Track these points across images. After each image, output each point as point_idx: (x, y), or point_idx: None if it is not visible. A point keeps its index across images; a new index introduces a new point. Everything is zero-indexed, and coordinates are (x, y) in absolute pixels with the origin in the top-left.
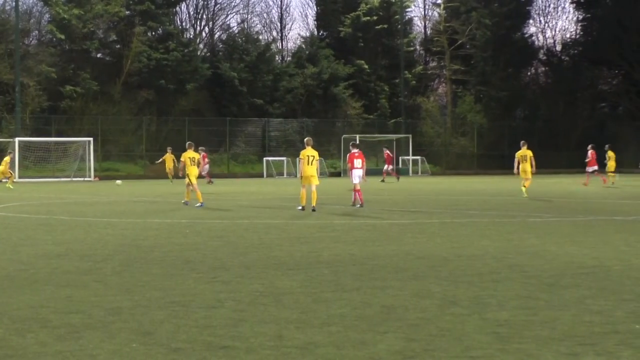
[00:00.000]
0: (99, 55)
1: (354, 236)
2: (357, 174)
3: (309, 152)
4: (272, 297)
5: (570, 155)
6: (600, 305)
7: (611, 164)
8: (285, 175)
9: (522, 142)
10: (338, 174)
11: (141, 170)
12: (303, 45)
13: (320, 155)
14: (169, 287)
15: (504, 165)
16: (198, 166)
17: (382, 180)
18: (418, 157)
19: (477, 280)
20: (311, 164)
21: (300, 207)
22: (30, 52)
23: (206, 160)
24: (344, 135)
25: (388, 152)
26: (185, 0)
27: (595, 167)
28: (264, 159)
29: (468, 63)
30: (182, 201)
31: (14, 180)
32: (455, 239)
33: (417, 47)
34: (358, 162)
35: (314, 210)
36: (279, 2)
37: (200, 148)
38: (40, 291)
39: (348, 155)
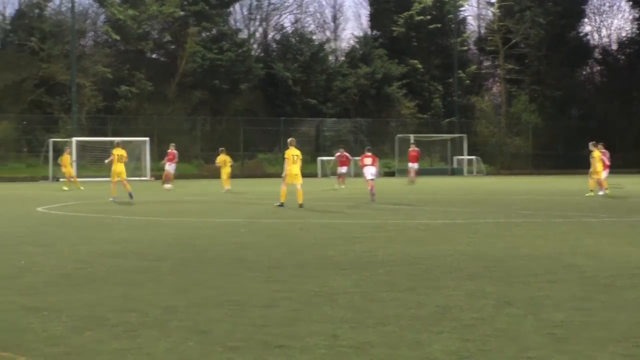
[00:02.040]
0: (153, 55)
1: (408, 236)
2: (370, 171)
3: (293, 152)
4: (327, 296)
5: (626, 155)
6: None
7: None
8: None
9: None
10: (392, 174)
11: (196, 170)
12: (356, 45)
13: (374, 155)
14: (225, 286)
15: (559, 164)
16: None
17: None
18: (473, 157)
19: (533, 281)
20: (295, 163)
21: (279, 204)
22: (86, 53)
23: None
24: (398, 135)
25: (345, 154)
26: (239, 0)
27: None
28: (318, 158)
29: (522, 62)
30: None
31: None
32: (510, 239)
33: (471, 46)
34: (368, 160)
35: (301, 206)
36: (333, 2)
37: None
38: (98, 290)
39: (361, 156)
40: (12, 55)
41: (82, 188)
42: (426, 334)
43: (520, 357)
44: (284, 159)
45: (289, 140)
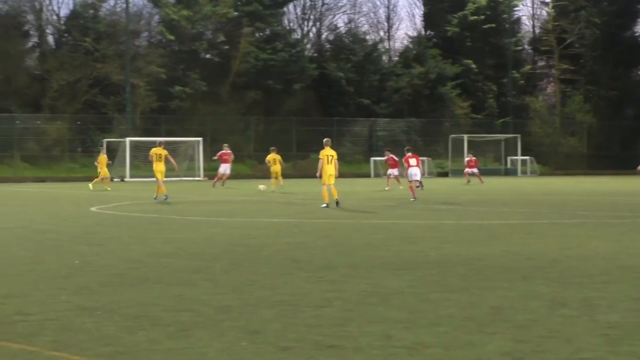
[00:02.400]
0: (207, 55)
1: (461, 236)
2: (413, 172)
3: (328, 152)
4: (380, 296)
5: None
6: None
7: None
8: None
9: None
10: (445, 174)
11: (249, 170)
12: (410, 45)
13: (427, 155)
14: (277, 286)
15: (614, 165)
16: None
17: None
18: (527, 157)
19: (587, 282)
20: (330, 163)
21: (324, 205)
22: (140, 53)
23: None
24: (452, 135)
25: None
26: (293, 0)
27: None
28: (371, 158)
29: (577, 62)
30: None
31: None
32: (565, 239)
33: (525, 46)
34: (413, 161)
35: (338, 204)
36: (386, 2)
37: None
38: (151, 289)
39: (404, 157)
40: (66, 56)
41: (108, 189)
42: (479, 334)
43: (574, 358)
44: (318, 159)
45: (325, 140)
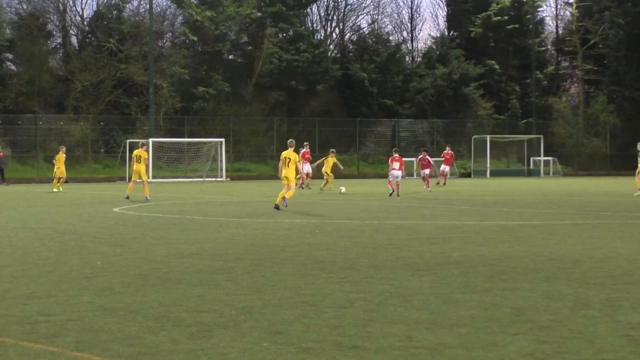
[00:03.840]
0: (230, 56)
1: (484, 237)
2: (396, 174)
3: (286, 154)
4: (402, 297)
5: None
6: None
7: None
8: (415, 176)
9: None
10: (468, 175)
11: (272, 171)
12: (433, 46)
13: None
14: (299, 286)
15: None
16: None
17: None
18: (550, 158)
19: (610, 283)
20: (287, 165)
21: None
22: (164, 54)
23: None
24: (475, 136)
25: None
26: (316, 1)
27: None
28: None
29: (601, 63)
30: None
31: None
32: (587, 240)
33: (549, 46)
34: (397, 164)
35: (276, 207)
36: (410, 3)
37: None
38: (173, 290)
39: (390, 158)
40: (90, 57)
41: (55, 190)
42: (502, 335)
43: (596, 359)
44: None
45: (289, 141)
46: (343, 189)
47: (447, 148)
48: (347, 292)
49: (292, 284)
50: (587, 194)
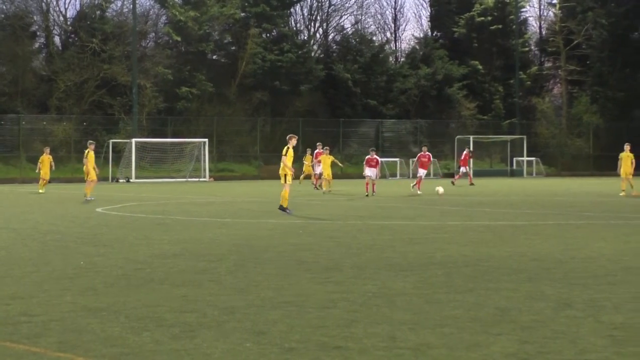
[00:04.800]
0: (214, 57)
1: (467, 237)
2: (369, 173)
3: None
4: (385, 298)
5: None
6: None
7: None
8: (398, 177)
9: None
10: (452, 175)
11: (255, 171)
12: (417, 46)
13: (434, 157)
14: (283, 287)
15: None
16: None
17: (471, 184)
18: (533, 158)
19: (592, 283)
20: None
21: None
22: (147, 54)
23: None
24: (458, 136)
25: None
26: (300, 1)
27: None
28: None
29: (584, 63)
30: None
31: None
32: (570, 240)
33: (532, 47)
34: (372, 163)
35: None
36: (393, 3)
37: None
38: (156, 290)
39: (366, 157)
40: (73, 57)
41: (40, 191)
42: (485, 335)
43: (579, 359)
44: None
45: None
46: (441, 190)
47: (423, 149)
48: (331, 293)
49: (275, 284)
50: (570, 194)
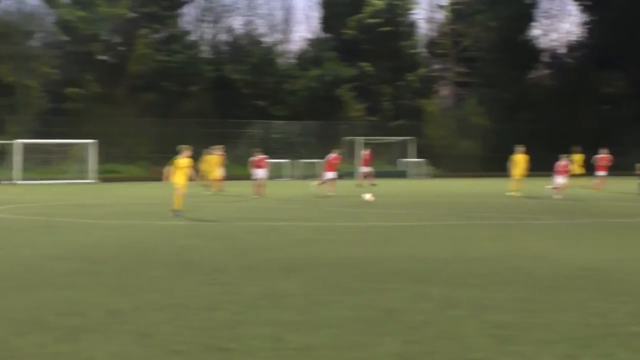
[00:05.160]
0: (103, 57)
1: (353, 238)
2: (258, 173)
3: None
4: (272, 299)
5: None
6: (600, 307)
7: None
8: (286, 178)
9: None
10: (340, 177)
11: (144, 172)
12: (307, 48)
13: (323, 158)
14: (169, 289)
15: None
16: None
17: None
18: (421, 160)
19: (477, 283)
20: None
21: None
22: (34, 54)
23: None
24: (346, 138)
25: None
26: (190, 2)
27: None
28: (267, 161)
29: (472, 65)
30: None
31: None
32: (457, 241)
33: (422, 49)
34: (261, 164)
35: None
36: (284, 4)
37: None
38: (40, 293)
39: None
40: None
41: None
42: (370, 336)
43: (464, 358)
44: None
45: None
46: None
47: (334, 152)
48: (217, 294)
49: (161, 286)
50: (457, 195)
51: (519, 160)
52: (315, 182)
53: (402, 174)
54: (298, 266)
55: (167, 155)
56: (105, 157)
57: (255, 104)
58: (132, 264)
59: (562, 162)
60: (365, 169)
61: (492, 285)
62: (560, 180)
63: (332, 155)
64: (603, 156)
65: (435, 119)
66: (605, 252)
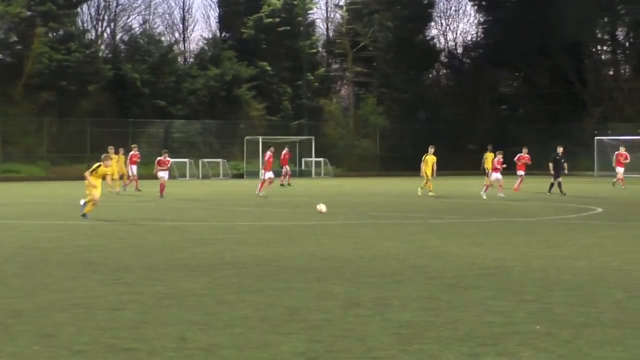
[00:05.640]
0: None
1: (257, 238)
2: (162, 174)
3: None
4: (175, 299)
5: (472, 157)
6: (502, 306)
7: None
8: (188, 177)
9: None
10: (241, 176)
11: (43, 172)
12: (205, 47)
13: (223, 157)
14: (71, 289)
15: (407, 166)
16: None
17: (289, 184)
18: (321, 159)
19: (380, 282)
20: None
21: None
22: None
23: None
24: (247, 137)
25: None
26: (87, 1)
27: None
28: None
29: (370, 65)
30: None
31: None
32: (358, 240)
33: (320, 49)
34: (164, 165)
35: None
36: (181, 4)
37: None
38: None
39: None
40: None
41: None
42: (274, 335)
43: (367, 357)
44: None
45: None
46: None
47: (271, 149)
48: (120, 294)
49: (63, 286)
50: (358, 194)
51: (429, 161)
52: (258, 191)
53: (304, 173)
54: (201, 266)
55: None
56: (3, 156)
57: (154, 103)
58: (34, 264)
59: (497, 159)
60: (285, 169)
61: (394, 284)
62: (496, 176)
63: (268, 154)
64: (523, 155)
65: (335, 119)
66: (506, 251)
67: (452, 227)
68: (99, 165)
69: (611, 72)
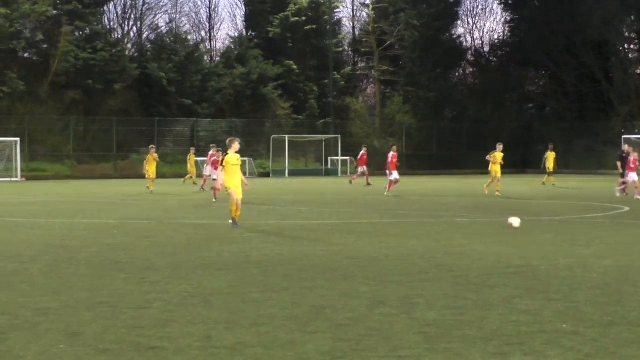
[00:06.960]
0: (25, 55)
1: (283, 236)
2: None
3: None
4: (201, 297)
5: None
6: (528, 304)
7: (550, 165)
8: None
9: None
10: (267, 175)
11: (69, 171)
12: (232, 46)
13: (249, 156)
14: (97, 287)
15: (433, 165)
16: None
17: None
18: (347, 158)
19: (406, 280)
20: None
21: None
22: None
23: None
24: (273, 136)
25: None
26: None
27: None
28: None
29: (397, 64)
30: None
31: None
32: (384, 239)
33: (346, 47)
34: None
35: None
36: (208, 2)
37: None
38: None
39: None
40: None
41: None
42: (300, 334)
43: (393, 356)
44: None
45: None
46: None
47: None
48: (146, 293)
49: (89, 285)
50: (383, 193)
51: (499, 157)
52: (387, 192)
53: (330, 172)
54: (227, 264)
55: (92, 154)
56: (30, 155)
57: (180, 102)
58: (60, 263)
59: (633, 157)
60: (363, 168)
61: (420, 283)
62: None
63: (391, 154)
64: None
65: (361, 117)
66: (532, 250)
67: (478, 225)
68: (226, 154)
69: (638, 71)
